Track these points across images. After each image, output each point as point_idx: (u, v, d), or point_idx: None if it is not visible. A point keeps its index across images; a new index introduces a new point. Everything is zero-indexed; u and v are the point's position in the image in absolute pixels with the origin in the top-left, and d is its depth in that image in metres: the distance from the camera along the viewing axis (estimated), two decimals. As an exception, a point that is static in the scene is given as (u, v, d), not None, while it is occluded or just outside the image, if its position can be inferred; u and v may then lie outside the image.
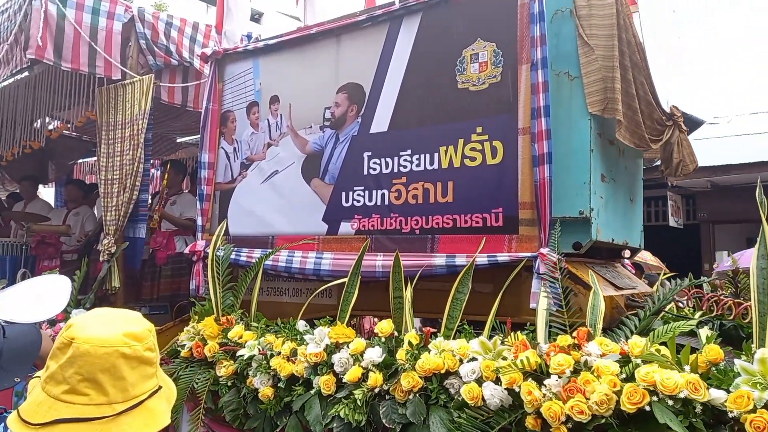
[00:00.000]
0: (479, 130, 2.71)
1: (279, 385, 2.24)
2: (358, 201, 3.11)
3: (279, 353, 2.32)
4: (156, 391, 1.12)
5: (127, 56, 3.84)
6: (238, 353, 2.42)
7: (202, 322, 2.68)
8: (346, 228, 3.15)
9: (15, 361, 1.48)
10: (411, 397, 1.88)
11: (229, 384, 2.43)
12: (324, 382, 2.12)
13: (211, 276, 2.95)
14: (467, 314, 2.46)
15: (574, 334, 1.78)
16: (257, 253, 3.38)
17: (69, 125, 4.18)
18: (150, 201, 4.51)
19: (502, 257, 2.53)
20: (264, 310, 3.72)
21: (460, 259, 2.63)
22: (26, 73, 4.62)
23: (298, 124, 3.46)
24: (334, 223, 3.21)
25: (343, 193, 3.18)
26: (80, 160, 8.64)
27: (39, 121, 6.00)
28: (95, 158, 9.30)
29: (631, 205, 3.11)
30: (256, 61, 3.71)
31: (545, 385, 1.66)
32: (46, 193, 10.35)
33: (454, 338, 2.07)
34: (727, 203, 9.02)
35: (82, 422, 1.02)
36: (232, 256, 3.50)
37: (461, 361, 1.90)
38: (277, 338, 2.42)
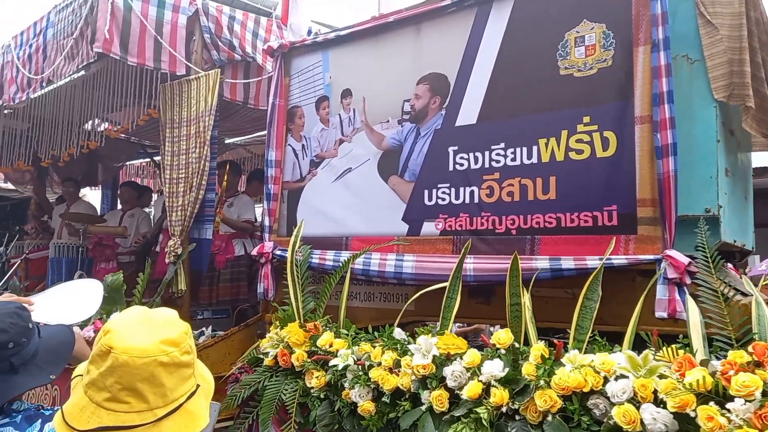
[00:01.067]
0: (587, 119, 2.47)
1: (383, 399, 2.04)
2: (443, 199, 2.90)
3: (379, 364, 2.12)
4: (194, 392, 1.13)
5: (191, 51, 3.71)
6: (331, 363, 2.24)
7: (285, 328, 2.50)
8: (429, 228, 2.94)
9: (50, 360, 1.52)
10: (549, 419, 1.66)
11: (321, 396, 2.25)
12: (436, 398, 1.91)
13: (291, 279, 2.77)
14: (566, 323, 2.23)
15: (749, 349, 1.54)
16: (330, 255, 3.20)
17: (130, 124, 4.07)
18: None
19: (619, 260, 2.29)
20: (333, 315, 3.57)
21: (567, 263, 2.40)
22: (82, 72, 4.56)
23: (373, 118, 3.27)
24: (416, 223, 3.00)
25: (426, 191, 2.97)
26: (128, 162, 8.65)
27: (91, 122, 5.99)
28: (141, 161, 9.39)
29: (745, 203, 2.83)
30: (325, 54, 3.54)
31: (729, 410, 1.42)
32: (92, 196, 10.46)
33: (585, 351, 1.84)
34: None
35: (125, 429, 1.05)
36: (296, 258, 3.34)
37: (605, 378, 1.67)
38: (373, 347, 2.22)
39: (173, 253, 3.52)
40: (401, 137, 3.12)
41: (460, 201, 2.84)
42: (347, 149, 3.36)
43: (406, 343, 2.20)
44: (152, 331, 1.11)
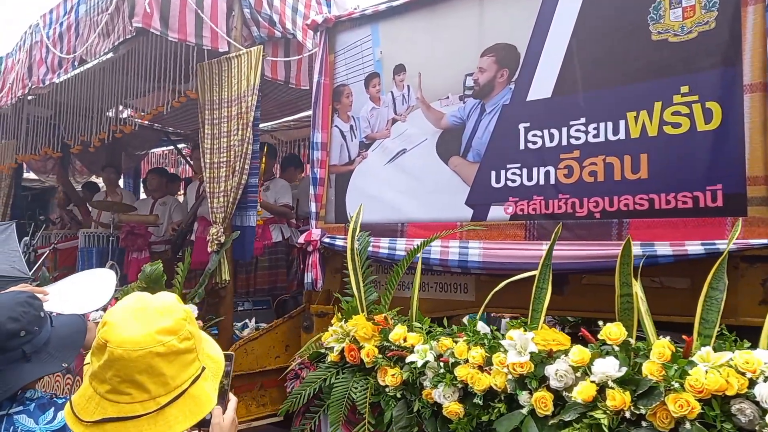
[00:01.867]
0: (684, 89, 2.23)
1: (474, 401, 1.83)
2: (513, 181, 2.68)
3: (466, 361, 1.91)
4: (199, 375, 1.11)
5: (230, 27, 3.49)
6: (408, 359, 2.03)
7: (350, 321, 2.30)
8: (497, 213, 2.72)
9: (62, 349, 1.53)
10: (688, 426, 1.44)
11: (397, 396, 2.05)
12: (539, 400, 1.70)
13: (352, 269, 2.57)
14: (656, 315, 2.00)
15: None
16: (384, 243, 2.99)
17: (165, 106, 3.87)
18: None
19: (725, 245, 2.05)
20: (392, 305, 3.37)
21: (662, 248, 2.16)
22: (110, 55, 4.37)
23: (430, 95, 3.04)
24: (482, 208, 2.78)
25: (493, 173, 2.75)
26: (151, 151, 8.50)
27: (114, 109, 5.82)
28: (164, 149, 9.22)
29: None
30: (375, 28, 3.31)
31: None
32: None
33: (716, 349, 1.61)
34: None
35: (129, 420, 1.05)
36: (355, 246, 3.14)
37: (751, 380, 1.45)
38: (455, 342, 2.02)
39: (216, 242, 3.33)
40: (463, 114, 2.89)
41: (534, 182, 2.62)
42: (401, 129, 3.14)
43: (491, 338, 1.99)
44: (147, 321, 1.09)
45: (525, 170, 2.64)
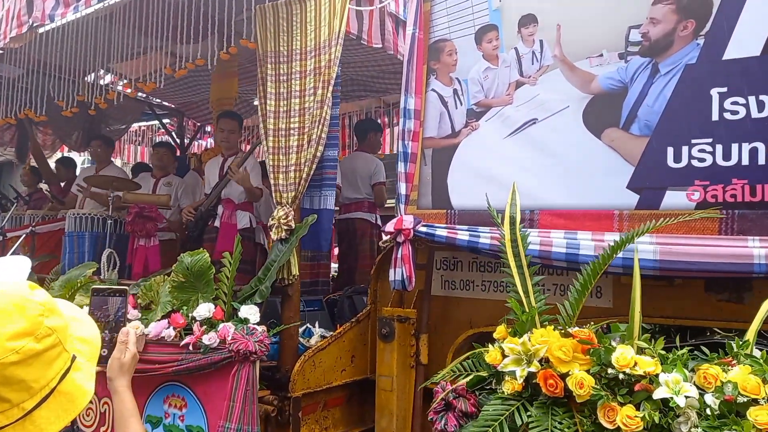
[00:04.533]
0: None
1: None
2: (702, 160, 2.13)
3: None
4: (69, 368, 1.01)
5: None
6: (657, 395, 1.45)
7: (534, 336, 1.70)
8: (676, 199, 2.17)
9: None
10: None
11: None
12: None
13: (515, 267, 1.95)
14: None
15: None
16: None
17: (210, 59, 3.11)
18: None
19: None
20: (480, 311, 2.80)
21: None
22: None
23: (574, 52, 2.45)
24: (652, 193, 2.22)
25: (671, 149, 2.19)
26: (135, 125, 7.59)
27: (94, 72, 4.98)
28: (143, 124, 8.27)
29: None
30: (491, -32, 2.70)
31: None
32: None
33: None
34: None
35: None
36: (466, 238, 2.53)
37: None
38: (725, 370, 1.45)
39: (284, 227, 2.64)
40: (625, 76, 2.32)
41: (732, 162, 2.08)
42: (530, 94, 2.55)
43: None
44: None
45: (720, 147, 2.10)
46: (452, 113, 2.75)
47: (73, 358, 1.03)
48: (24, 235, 4.58)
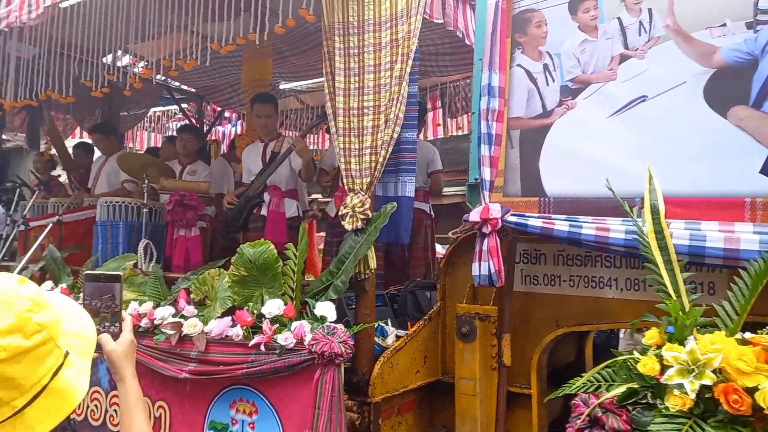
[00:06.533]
0: None
1: None
2: None
3: None
4: (61, 365, 0.99)
5: None
6: None
7: (704, 343, 1.46)
8: (820, 185, 1.94)
9: None
10: None
11: None
12: None
13: (664, 262, 1.72)
14: None
15: None
16: (616, 225, 2.16)
17: (269, 34, 2.84)
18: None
19: None
20: (567, 308, 2.58)
21: None
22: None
23: (691, 22, 2.20)
24: (790, 177, 1.99)
25: (816, 129, 1.96)
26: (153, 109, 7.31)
27: (112, 54, 4.69)
28: (159, 109, 7.99)
29: None
30: (588, -72, 2.44)
31: None
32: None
33: None
34: None
35: None
36: (566, 229, 2.30)
37: None
38: None
39: (360, 217, 2.40)
40: (754, 48, 2.07)
41: None
42: (637, 68, 2.30)
43: None
44: None
45: None
46: (543, 91, 2.50)
47: (66, 354, 1.00)
48: (51, 225, 4.31)
